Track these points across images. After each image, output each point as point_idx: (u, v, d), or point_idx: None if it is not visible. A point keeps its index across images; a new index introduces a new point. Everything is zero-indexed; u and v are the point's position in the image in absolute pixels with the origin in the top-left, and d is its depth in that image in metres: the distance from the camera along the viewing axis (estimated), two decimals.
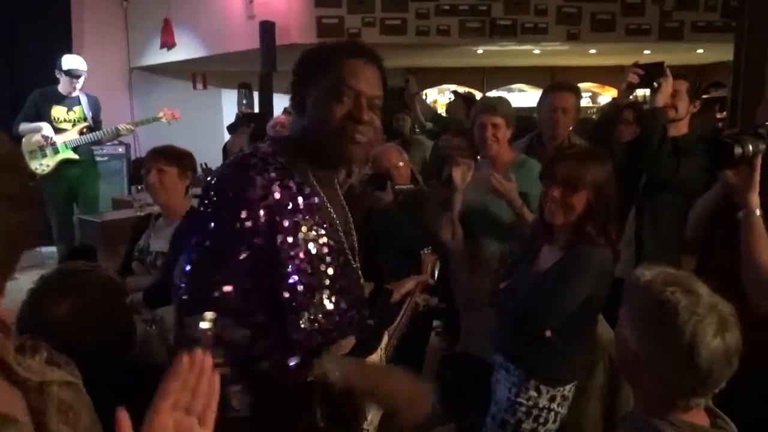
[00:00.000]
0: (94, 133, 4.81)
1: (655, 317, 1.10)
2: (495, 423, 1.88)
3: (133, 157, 6.68)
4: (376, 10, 6.16)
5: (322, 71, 1.25)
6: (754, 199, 1.48)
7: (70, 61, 4.84)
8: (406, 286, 1.70)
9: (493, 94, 9.03)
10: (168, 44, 7.24)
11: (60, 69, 4.79)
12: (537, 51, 7.34)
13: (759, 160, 1.48)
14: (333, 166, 1.35)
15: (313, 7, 6.12)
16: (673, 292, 1.09)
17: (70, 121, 4.84)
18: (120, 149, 6.56)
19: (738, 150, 1.47)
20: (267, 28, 5.88)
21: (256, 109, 6.80)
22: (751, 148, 1.47)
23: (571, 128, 2.99)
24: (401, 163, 2.66)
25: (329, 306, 1.23)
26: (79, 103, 4.87)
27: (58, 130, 4.77)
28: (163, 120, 4.98)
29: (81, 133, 4.81)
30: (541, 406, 1.82)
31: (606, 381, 2.07)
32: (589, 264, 1.75)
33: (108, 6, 7.51)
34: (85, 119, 4.86)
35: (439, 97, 9.49)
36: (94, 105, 4.97)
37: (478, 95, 9.02)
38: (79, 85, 4.85)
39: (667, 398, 1.12)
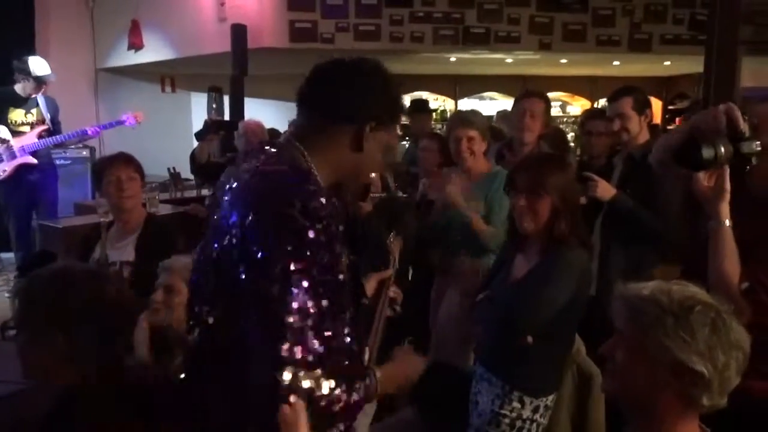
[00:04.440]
0: (54, 136, 4.65)
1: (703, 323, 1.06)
2: None
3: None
4: (350, 16, 6.12)
5: (389, 121, 1.27)
6: (724, 209, 1.47)
7: (40, 67, 4.64)
8: (368, 286, 1.68)
9: (464, 101, 9.10)
10: (136, 46, 7.09)
11: (26, 72, 4.59)
12: (509, 60, 7.40)
13: (727, 169, 1.46)
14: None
15: (286, 11, 6.06)
16: (697, 296, 1.08)
17: (28, 123, 4.67)
18: (84, 152, 6.36)
19: (710, 152, 1.43)
20: (239, 32, 5.79)
21: (227, 113, 6.70)
22: (723, 149, 1.44)
23: (540, 138, 3.04)
24: (373, 175, 2.68)
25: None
26: (37, 105, 4.71)
27: (15, 133, 4.60)
28: (128, 124, 4.81)
29: (39, 136, 4.64)
30: (524, 417, 1.81)
31: (574, 391, 2.06)
32: (568, 266, 1.78)
33: (73, 5, 7.32)
34: (44, 121, 4.70)
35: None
36: (53, 106, 4.81)
37: (450, 102, 9.11)
38: (43, 89, 4.70)
39: (692, 405, 1.08)
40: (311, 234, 1.05)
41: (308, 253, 1.05)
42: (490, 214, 2.58)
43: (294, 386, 1.01)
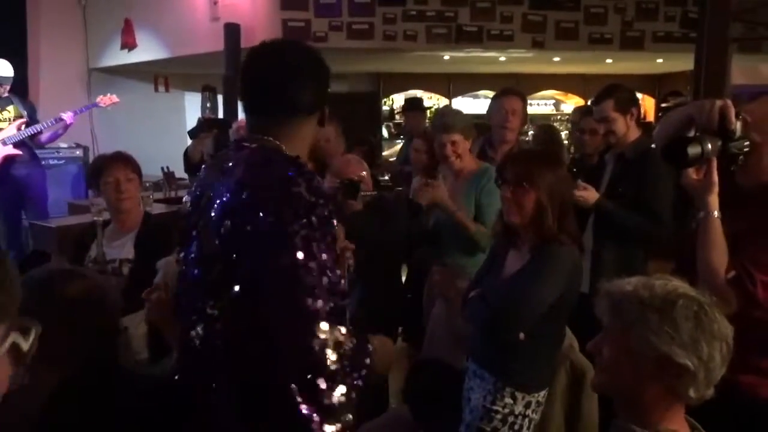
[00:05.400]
0: (34, 126, 4.70)
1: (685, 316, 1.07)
2: (470, 431, 1.87)
3: (91, 161, 6.48)
4: (343, 15, 6.11)
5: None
6: (713, 200, 1.49)
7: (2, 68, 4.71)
8: None
9: (458, 100, 9.11)
10: (129, 45, 7.06)
11: None
12: (502, 58, 7.41)
13: (714, 161, 1.48)
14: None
15: (279, 10, 6.04)
16: (680, 289, 1.09)
17: (5, 120, 4.71)
18: (77, 152, 6.35)
19: (696, 149, 1.45)
20: (232, 31, 5.78)
21: (221, 113, 6.69)
22: (710, 146, 1.46)
23: (521, 135, 3.10)
24: (364, 173, 2.69)
25: None
26: (12, 103, 4.75)
27: None
28: (101, 104, 4.91)
29: (19, 128, 4.67)
30: (516, 412, 1.82)
31: (567, 386, 2.07)
32: (558, 263, 1.78)
33: (65, 5, 7.28)
34: (22, 116, 4.73)
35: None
36: (30, 106, 4.87)
37: (444, 101, 9.11)
38: (5, 91, 4.74)
39: (679, 397, 1.09)
40: (318, 209, 1.15)
41: (319, 225, 1.14)
42: (480, 211, 2.58)
43: (330, 338, 1.09)
